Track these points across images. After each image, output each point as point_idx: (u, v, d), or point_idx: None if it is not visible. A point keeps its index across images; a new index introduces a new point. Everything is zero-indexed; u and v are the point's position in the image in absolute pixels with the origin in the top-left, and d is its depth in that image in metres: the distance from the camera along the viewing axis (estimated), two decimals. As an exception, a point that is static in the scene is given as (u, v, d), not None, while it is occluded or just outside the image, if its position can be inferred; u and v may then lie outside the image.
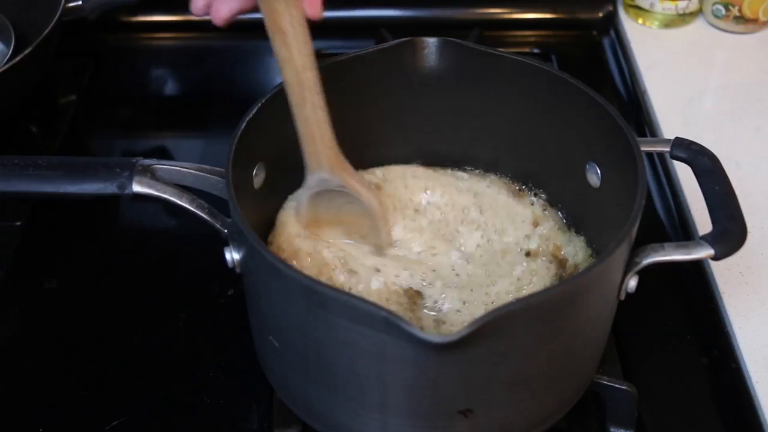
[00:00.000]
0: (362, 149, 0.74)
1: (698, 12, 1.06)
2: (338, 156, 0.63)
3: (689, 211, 0.82)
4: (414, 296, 0.65)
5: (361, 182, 0.66)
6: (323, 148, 0.62)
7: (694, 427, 0.68)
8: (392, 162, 0.76)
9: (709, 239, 0.57)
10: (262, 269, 0.56)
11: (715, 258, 0.57)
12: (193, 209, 0.60)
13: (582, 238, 0.69)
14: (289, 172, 0.70)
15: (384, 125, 0.73)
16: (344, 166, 0.64)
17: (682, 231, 0.82)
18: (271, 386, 0.64)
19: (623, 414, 0.66)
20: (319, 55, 0.61)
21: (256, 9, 0.59)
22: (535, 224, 0.71)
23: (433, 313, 0.65)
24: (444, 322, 0.64)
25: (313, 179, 0.64)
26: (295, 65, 0.59)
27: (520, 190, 0.73)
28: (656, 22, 1.05)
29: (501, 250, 0.70)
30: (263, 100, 0.62)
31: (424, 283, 0.66)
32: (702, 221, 0.79)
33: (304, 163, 0.64)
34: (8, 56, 0.91)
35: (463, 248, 0.70)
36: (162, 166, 0.61)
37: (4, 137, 0.93)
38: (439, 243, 0.69)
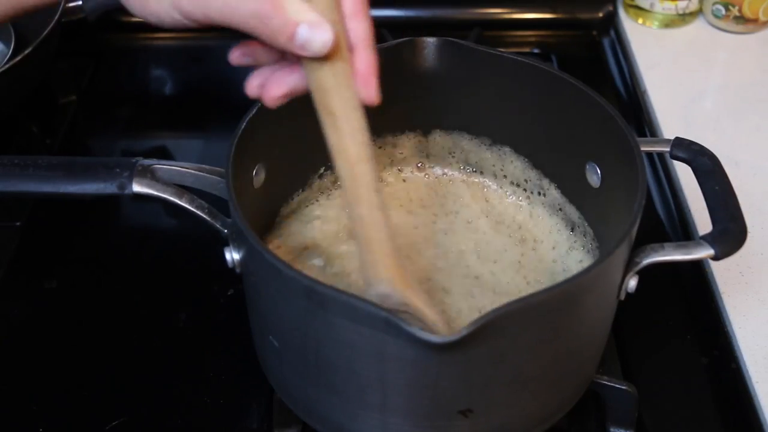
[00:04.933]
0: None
1: (698, 12, 1.06)
2: (399, 267, 0.54)
3: (689, 211, 0.82)
4: None
5: (425, 301, 0.56)
6: (382, 257, 0.54)
7: (694, 427, 0.68)
8: (391, 162, 0.76)
9: (709, 239, 0.57)
10: (262, 269, 0.56)
11: (715, 258, 0.57)
12: (193, 209, 0.59)
13: (582, 237, 0.69)
14: (289, 172, 0.70)
15: (383, 125, 0.73)
16: (406, 280, 0.55)
17: (682, 231, 0.82)
18: (271, 386, 0.64)
19: (623, 414, 0.66)
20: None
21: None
22: (535, 224, 0.71)
23: None
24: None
25: (371, 295, 0.55)
26: (348, 156, 0.52)
27: (519, 189, 0.74)
28: (656, 22, 1.05)
29: (500, 252, 0.70)
30: (263, 100, 0.62)
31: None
32: (702, 221, 0.79)
33: (362, 273, 0.55)
34: (8, 56, 0.91)
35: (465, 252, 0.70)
36: (162, 166, 0.61)
37: (4, 137, 0.93)
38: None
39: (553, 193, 0.71)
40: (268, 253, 0.53)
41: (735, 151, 0.86)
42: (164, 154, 0.94)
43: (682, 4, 1.03)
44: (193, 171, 0.61)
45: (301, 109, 0.65)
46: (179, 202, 0.59)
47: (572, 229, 0.70)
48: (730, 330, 0.72)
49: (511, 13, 1.09)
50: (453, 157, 0.75)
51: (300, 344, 0.56)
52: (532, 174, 0.72)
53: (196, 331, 0.74)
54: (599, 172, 0.66)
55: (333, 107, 0.52)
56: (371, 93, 0.52)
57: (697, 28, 1.06)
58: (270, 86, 0.54)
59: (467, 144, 0.74)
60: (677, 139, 0.64)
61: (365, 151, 0.53)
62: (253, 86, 0.55)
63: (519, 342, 0.53)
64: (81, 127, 0.97)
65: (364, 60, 0.52)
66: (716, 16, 1.04)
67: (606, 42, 1.08)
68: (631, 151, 0.59)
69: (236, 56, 0.54)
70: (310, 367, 0.57)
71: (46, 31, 0.86)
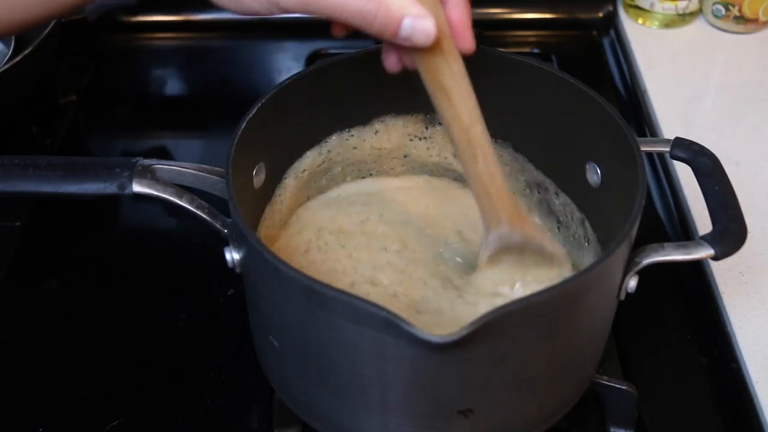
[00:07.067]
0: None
1: (698, 12, 1.06)
2: (516, 208, 0.60)
3: (689, 211, 0.82)
4: None
5: (541, 232, 0.63)
6: (500, 204, 0.59)
7: (694, 427, 0.68)
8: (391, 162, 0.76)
9: (709, 239, 0.57)
10: (262, 269, 0.56)
11: (715, 258, 0.57)
12: (193, 209, 0.59)
13: (581, 237, 0.69)
14: (289, 172, 0.70)
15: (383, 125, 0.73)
16: (523, 218, 0.60)
17: (682, 231, 0.82)
18: (271, 386, 0.64)
19: (623, 414, 0.66)
20: (320, 55, 0.60)
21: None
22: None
23: None
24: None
25: (492, 238, 0.60)
26: (463, 122, 0.57)
27: (519, 190, 0.74)
28: (656, 22, 1.05)
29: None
30: (263, 100, 0.62)
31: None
32: (702, 221, 0.79)
33: (483, 219, 0.60)
34: (8, 56, 0.91)
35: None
36: (162, 166, 0.61)
37: (4, 137, 0.93)
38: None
39: (554, 192, 0.71)
40: (268, 253, 0.53)
41: (735, 151, 0.86)
42: (164, 154, 0.94)
43: (682, 4, 1.03)
44: (193, 171, 0.61)
45: (302, 109, 0.66)
46: (179, 202, 0.59)
47: (572, 229, 0.70)
48: (730, 330, 0.72)
49: (511, 13, 1.09)
50: (453, 157, 0.75)
51: (300, 344, 0.56)
52: (532, 174, 0.72)
53: (196, 331, 0.74)
54: (599, 172, 0.66)
55: (445, 82, 0.56)
56: (468, 43, 0.57)
57: (697, 28, 1.06)
58: (409, 58, 0.58)
59: (467, 144, 0.74)
60: (677, 139, 0.64)
61: (477, 114, 0.57)
62: (392, 63, 0.59)
63: (519, 342, 0.53)
64: (81, 127, 0.97)
65: (458, 13, 0.56)
66: (716, 16, 1.04)
67: (606, 42, 1.08)
68: (631, 151, 0.59)
69: (392, 64, 0.59)
70: (311, 367, 0.57)
71: (46, 31, 0.86)
